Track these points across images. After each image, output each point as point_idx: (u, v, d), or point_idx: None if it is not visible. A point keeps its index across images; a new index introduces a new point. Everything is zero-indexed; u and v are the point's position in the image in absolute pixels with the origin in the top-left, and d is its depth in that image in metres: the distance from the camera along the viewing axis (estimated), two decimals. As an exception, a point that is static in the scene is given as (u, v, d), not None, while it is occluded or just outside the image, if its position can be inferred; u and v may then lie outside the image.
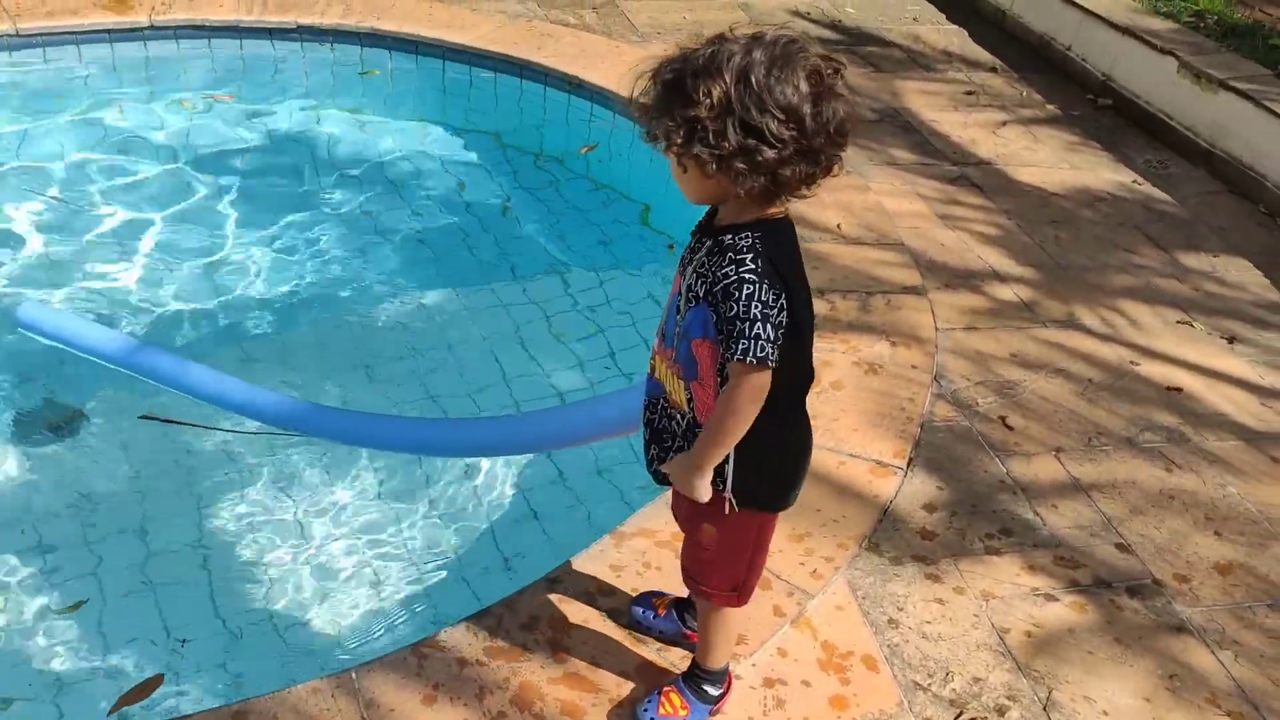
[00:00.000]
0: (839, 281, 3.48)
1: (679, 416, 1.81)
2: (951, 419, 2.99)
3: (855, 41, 5.53)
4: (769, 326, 1.60)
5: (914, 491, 2.73)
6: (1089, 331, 3.43)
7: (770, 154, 1.52)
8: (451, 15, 5.24)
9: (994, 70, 5.34)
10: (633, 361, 3.48)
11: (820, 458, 2.76)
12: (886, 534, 2.59)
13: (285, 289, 3.83)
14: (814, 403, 2.90)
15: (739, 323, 1.60)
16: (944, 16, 5.97)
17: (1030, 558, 2.57)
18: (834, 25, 5.72)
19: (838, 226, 3.77)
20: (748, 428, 1.67)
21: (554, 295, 3.87)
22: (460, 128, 4.91)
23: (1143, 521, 2.72)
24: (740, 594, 1.95)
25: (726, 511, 1.82)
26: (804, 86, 1.53)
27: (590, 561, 2.42)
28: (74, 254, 3.88)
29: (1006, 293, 3.58)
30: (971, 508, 2.70)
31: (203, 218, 4.16)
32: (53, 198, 4.11)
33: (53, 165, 4.32)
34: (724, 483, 1.78)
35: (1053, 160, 4.50)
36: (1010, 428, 2.98)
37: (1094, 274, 3.74)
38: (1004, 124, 4.78)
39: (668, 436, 1.85)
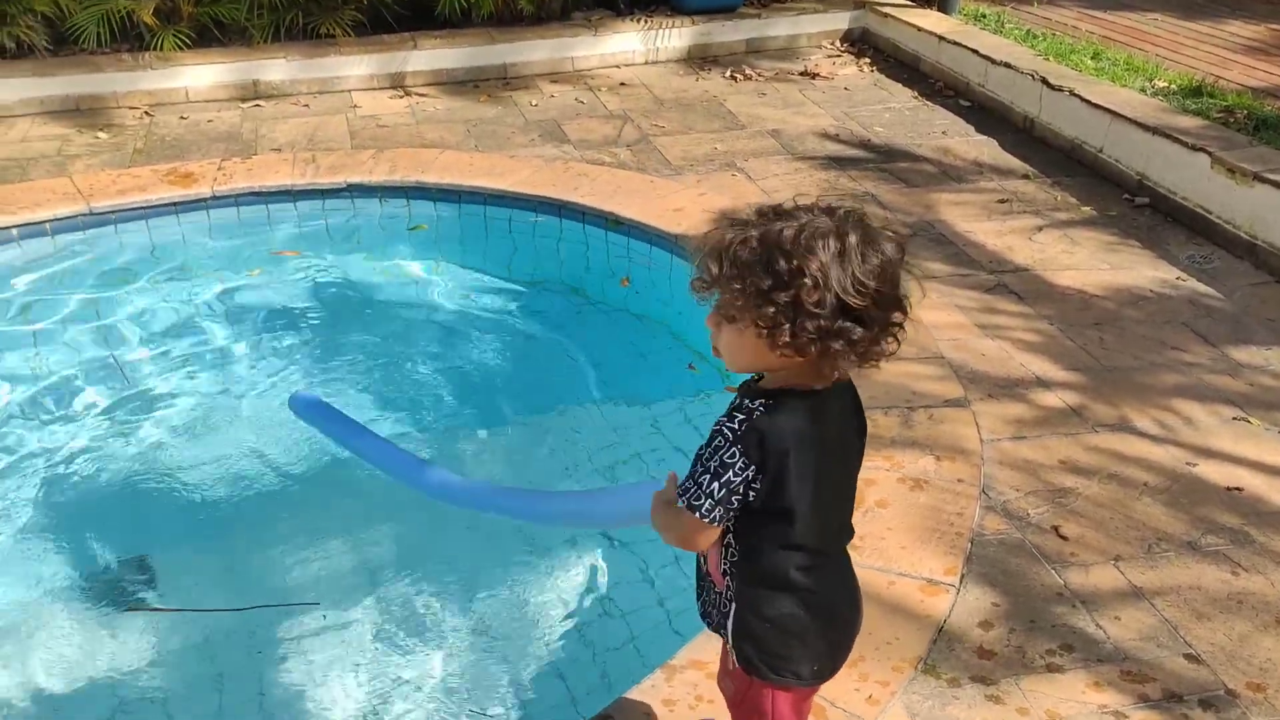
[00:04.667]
0: (880, 398, 3.49)
1: (701, 561, 1.87)
2: (1003, 531, 2.95)
3: (885, 158, 5.64)
4: (716, 484, 1.63)
5: (968, 608, 2.68)
6: (1141, 434, 3.39)
7: (860, 332, 1.53)
8: (491, 163, 5.46)
9: (1026, 177, 5.40)
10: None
11: (869, 578, 2.74)
12: (943, 654, 2.55)
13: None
14: (860, 522, 2.91)
15: (697, 462, 1.66)
16: (973, 128, 6.08)
17: (1095, 673, 2.50)
18: (864, 144, 5.85)
19: (877, 343, 3.80)
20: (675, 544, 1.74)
21: (599, 424, 3.94)
22: (504, 268, 5.07)
23: (1210, 628, 2.63)
24: None
25: (733, 669, 1.86)
26: (890, 266, 1.55)
27: (643, 696, 2.40)
28: (153, 406, 4.05)
29: (1052, 399, 3.56)
30: (1030, 623, 2.65)
31: (266, 370, 4.32)
32: (121, 370, 4.28)
33: (128, 333, 4.52)
34: (726, 636, 1.81)
35: (1092, 262, 4.51)
36: (1065, 537, 2.93)
37: (1142, 374, 3.71)
38: (1040, 229, 4.82)
39: (698, 579, 1.91)
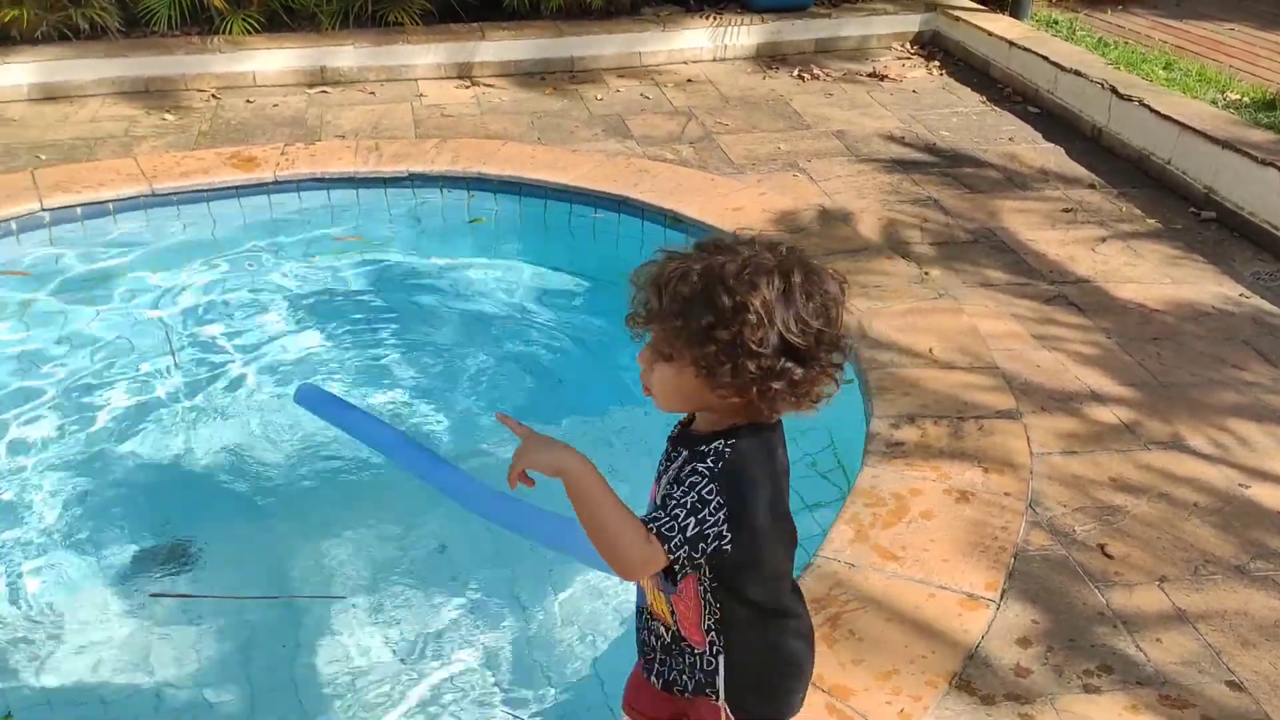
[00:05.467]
0: (930, 407, 3.45)
1: (662, 629, 1.77)
2: (1047, 548, 2.91)
3: (950, 163, 5.57)
4: (694, 524, 1.52)
5: (1007, 625, 2.65)
6: (1195, 453, 3.31)
7: (800, 373, 1.50)
8: (554, 157, 5.49)
9: (1092, 186, 5.30)
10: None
11: (908, 590, 2.71)
12: (978, 671, 2.51)
13: (413, 422, 3.97)
14: (903, 533, 2.89)
15: (671, 499, 1.55)
16: (1040, 135, 5.98)
17: (1134, 696, 2.46)
18: (929, 148, 5.78)
19: (929, 351, 3.76)
20: (596, 524, 1.55)
21: (650, 423, 3.91)
22: (561, 263, 5.08)
23: (1255, 656, 2.57)
24: None
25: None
26: (832, 305, 1.53)
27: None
28: (205, 386, 4.13)
29: (1106, 414, 3.49)
30: (1069, 642, 2.61)
31: (318, 357, 4.37)
32: (171, 352, 4.36)
33: (182, 315, 4.61)
34: (716, 694, 1.74)
35: (1154, 275, 4.41)
36: (1110, 556, 2.88)
37: (1200, 392, 3.62)
38: (1103, 240, 4.72)
39: (649, 650, 1.82)
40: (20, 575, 3.23)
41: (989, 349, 3.82)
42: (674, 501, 1.55)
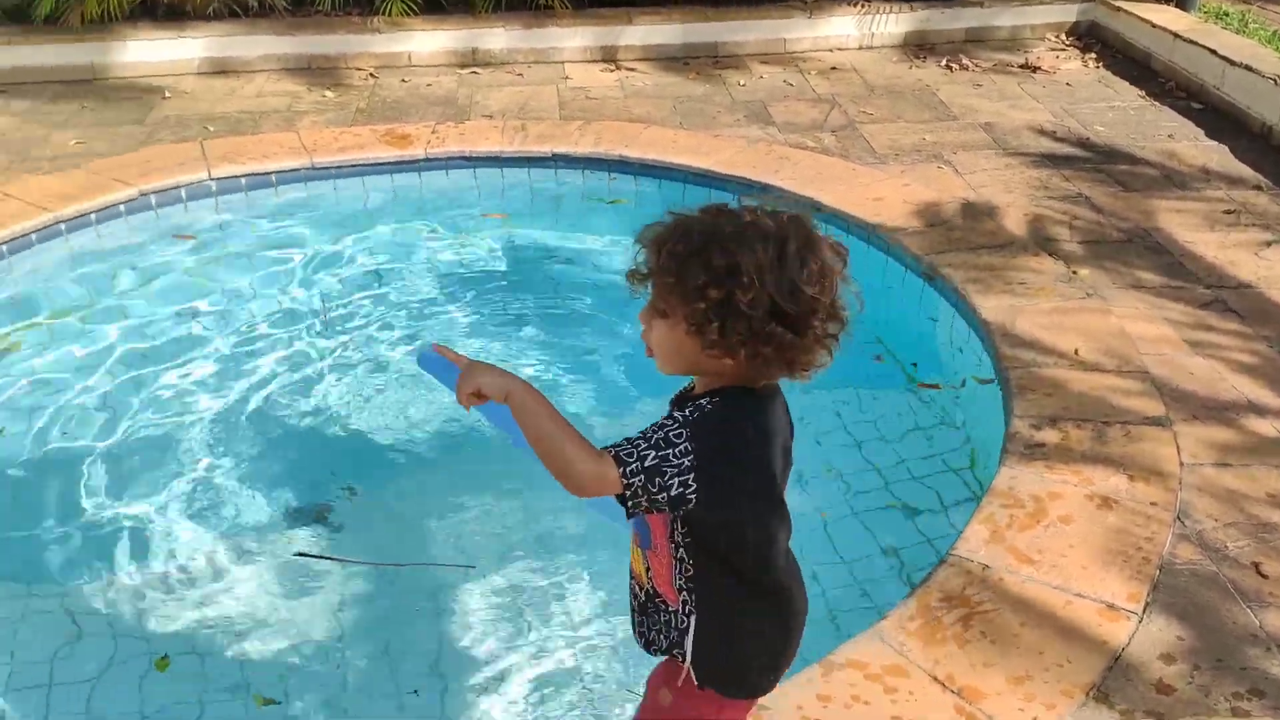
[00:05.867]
0: (1072, 410, 3.35)
1: (638, 588, 1.79)
2: (1196, 562, 2.80)
3: (1104, 159, 5.37)
4: (653, 456, 1.51)
5: (1150, 639, 2.56)
6: (1363, 473, 3.14)
7: (790, 339, 1.50)
8: (696, 141, 5.50)
9: (1258, 188, 5.04)
10: (858, 479, 3.46)
11: (1044, 595, 2.65)
12: (1117, 684, 2.44)
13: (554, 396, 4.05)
14: (1041, 537, 2.82)
15: (640, 433, 1.55)
16: (1203, 132, 5.71)
17: (1284, 722, 2.35)
18: (1082, 143, 5.58)
19: (1075, 352, 3.65)
20: (555, 460, 1.55)
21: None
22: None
23: None
24: None
25: (681, 684, 1.76)
26: (827, 275, 1.52)
27: (798, 690, 2.41)
28: (349, 357, 4.29)
29: (1265, 427, 3.33)
30: (1217, 661, 2.51)
31: (462, 328, 4.49)
32: (324, 319, 4.54)
33: (334, 284, 4.80)
34: (683, 655, 1.73)
35: (1325, 284, 4.18)
36: (1265, 575, 2.75)
37: (1371, 409, 3.43)
38: (1268, 244, 4.49)
39: (632, 611, 1.84)
40: (176, 527, 3.41)
41: (1138, 352, 3.68)
42: (640, 434, 1.55)
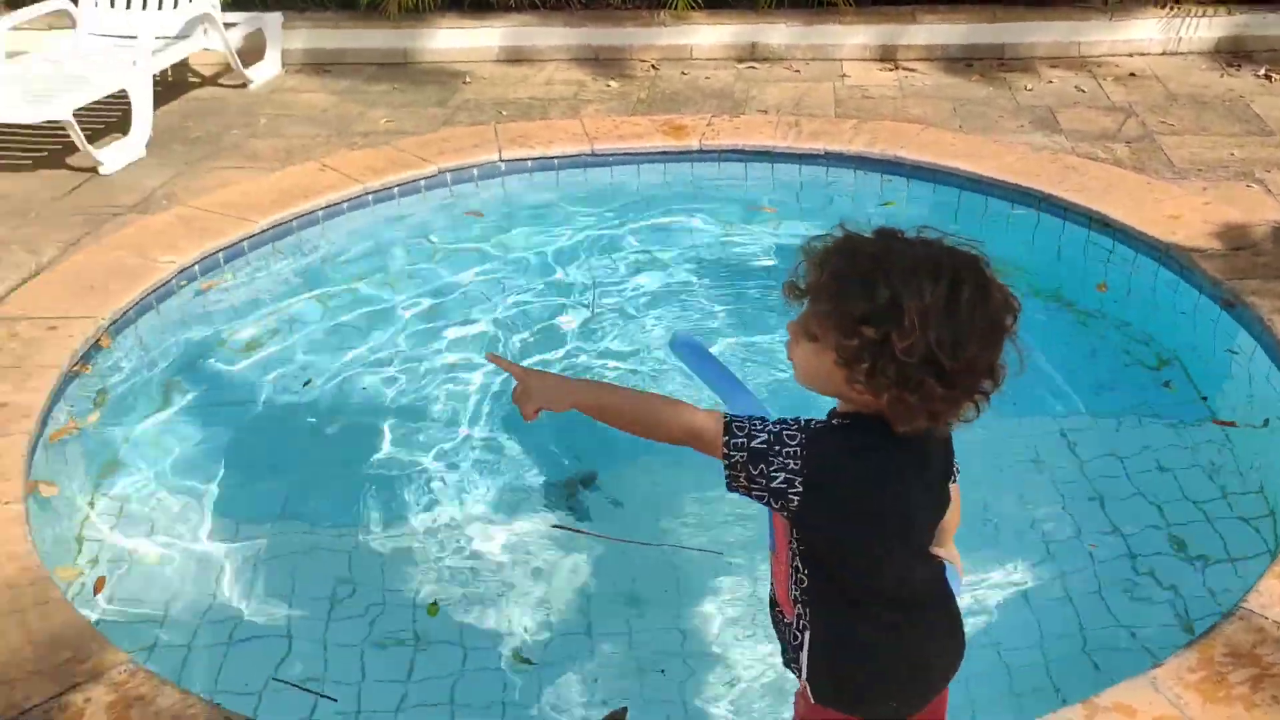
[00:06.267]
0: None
1: (768, 592, 1.78)
2: None
3: None
4: (765, 441, 1.52)
5: None
6: None
7: (940, 392, 1.41)
8: (974, 145, 5.34)
9: None
10: (1133, 513, 3.27)
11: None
12: None
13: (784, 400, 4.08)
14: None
15: (765, 417, 1.56)
16: None
17: None
18: None
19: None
20: (641, 417, 1.65)
21: (1051, 430, 3.74)
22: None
23: None
24: None
25: (803, 699, 1.72)
26: (996, 331, 1.43)
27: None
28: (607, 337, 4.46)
29: None
30: None
31: (725, 319, 4.56)
32: (593, 300, 4.72)
33: (604, 266, 4.98)
34: (800, 670, 1.66)
35: None
36: None
37: None
38: None
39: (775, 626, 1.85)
40: (447, 487, 3.64)
41: None
42: (764, 418, 1.54)
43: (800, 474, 1.51)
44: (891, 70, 6.69)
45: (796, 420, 1.56)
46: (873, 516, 1.58)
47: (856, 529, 1.59)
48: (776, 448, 1.51)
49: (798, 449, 1.51)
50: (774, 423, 1.56)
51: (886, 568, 1.64)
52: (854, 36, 6.91)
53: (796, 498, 1.52)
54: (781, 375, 4.19)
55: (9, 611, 2.62)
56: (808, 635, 1.67)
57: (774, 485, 1.52)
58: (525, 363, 4.23)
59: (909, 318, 1.37)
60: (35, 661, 2.48)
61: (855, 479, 1.55)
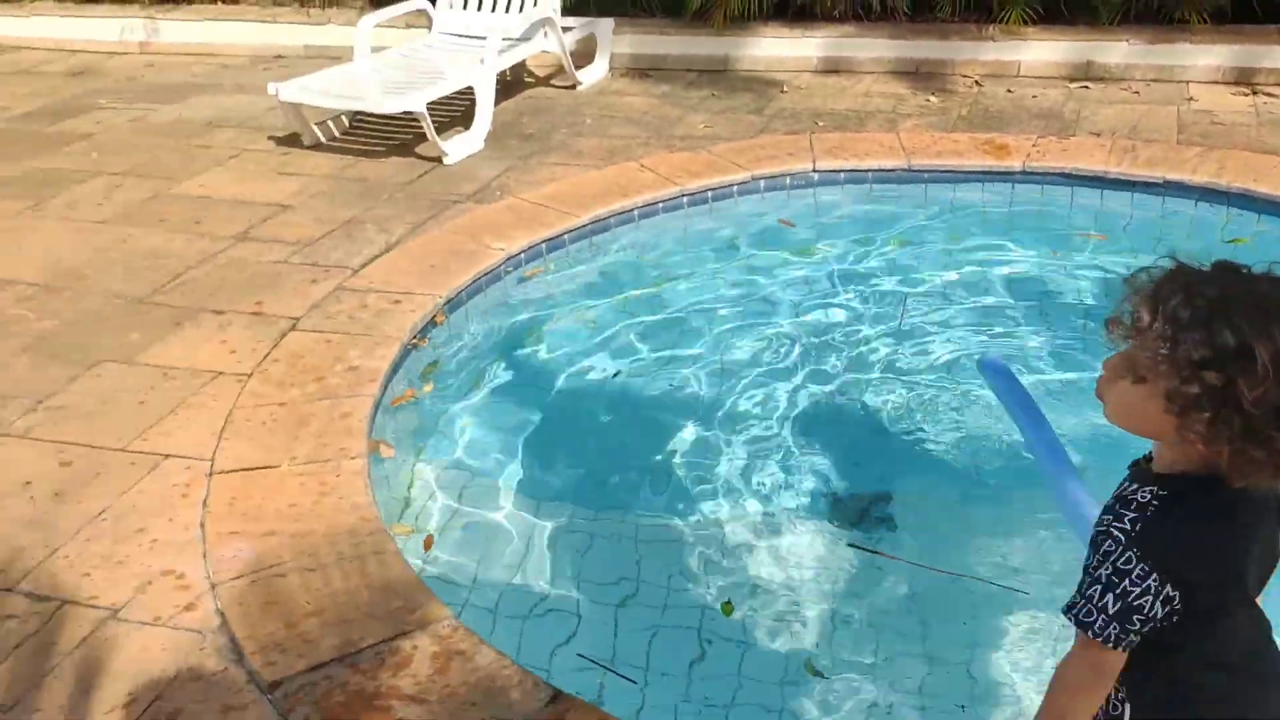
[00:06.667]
0: None
1: None
2: None
3: None
4: (1114, 599, 1.38)
5: None
6: None
7: None
8: (1343, 183, 4.83)
9: None
10: None
11: None
12: None
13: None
14: None
15: (1087, 576, 1.41)
16: None
17: None
18: None
19: None
20: (1084, 709, 1.42)
21: None
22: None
23: None
24: None
25: None
26: None
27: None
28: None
29: None
30: None
31: (1041, 349, 4.38)
32: (901, 317, 4.63)
33: (914, 280, 4.88)
34: None
35: None
36: None
37: None
38: None
39: None
40: (736, 492, 3.68)
41: None
42: (1092, 578, 1.40)
43: (1166, 582, 1.39)
44: (1247, 95, 6.15)
45: (1108, 535, 1.41)
46: (1220, 581, 1.47)
47: (1211, 609, 1.48)
48: (1122, 587, 1.39)
49: (1141, 567, 1.38)
50: (1096, 565, 1.42)
51: (1224, 632, 1.52)
52: (1205, 57, 6.41)
53: (1180, 603, 1.41)
54: (1094, 418, 3.96)
55: (352, 557, 2.91)
56: (1127, 709, 1.55)
57: (1160, 613, 1.41)
58: (820, 378, 4.24)
59: (1262, 365, 1.25)
60: (370, 606, 2.73)
61: (1204, 550, 1.43)
